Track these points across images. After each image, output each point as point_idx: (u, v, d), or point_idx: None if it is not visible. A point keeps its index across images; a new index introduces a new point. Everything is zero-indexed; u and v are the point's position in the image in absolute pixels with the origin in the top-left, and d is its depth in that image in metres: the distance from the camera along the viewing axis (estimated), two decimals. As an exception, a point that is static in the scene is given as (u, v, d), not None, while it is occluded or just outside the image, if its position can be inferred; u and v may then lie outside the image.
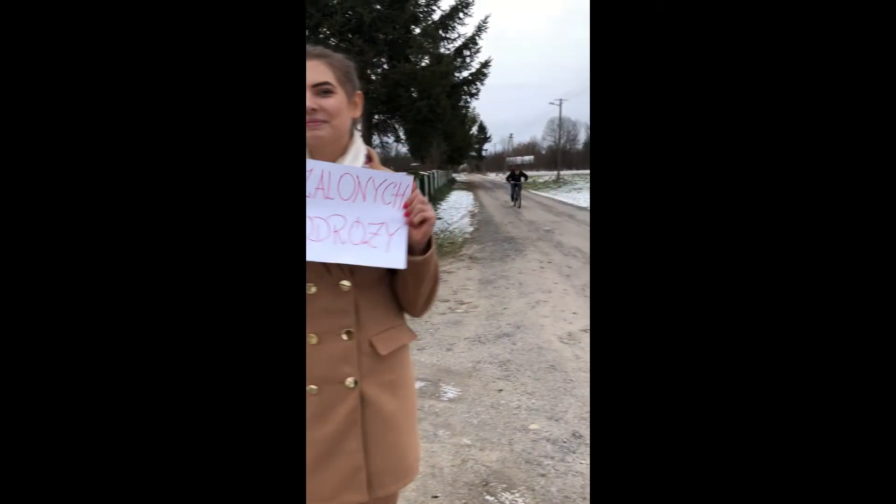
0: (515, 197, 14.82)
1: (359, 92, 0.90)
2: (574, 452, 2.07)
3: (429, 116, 9.24)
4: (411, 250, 0.85)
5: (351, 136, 0.90)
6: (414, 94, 9.14)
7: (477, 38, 10.59)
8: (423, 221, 0.84)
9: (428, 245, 0.87)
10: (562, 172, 43.78)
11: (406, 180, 0.84)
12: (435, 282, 0.92)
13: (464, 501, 1.78)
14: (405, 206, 0.84)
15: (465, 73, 10.99)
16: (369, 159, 0.92)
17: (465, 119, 23.44)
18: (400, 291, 0.91)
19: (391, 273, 0.90)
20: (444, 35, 10.29)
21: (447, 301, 4.50)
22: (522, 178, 14.84)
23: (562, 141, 60.69)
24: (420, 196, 0.85)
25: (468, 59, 10.75)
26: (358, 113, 0.91)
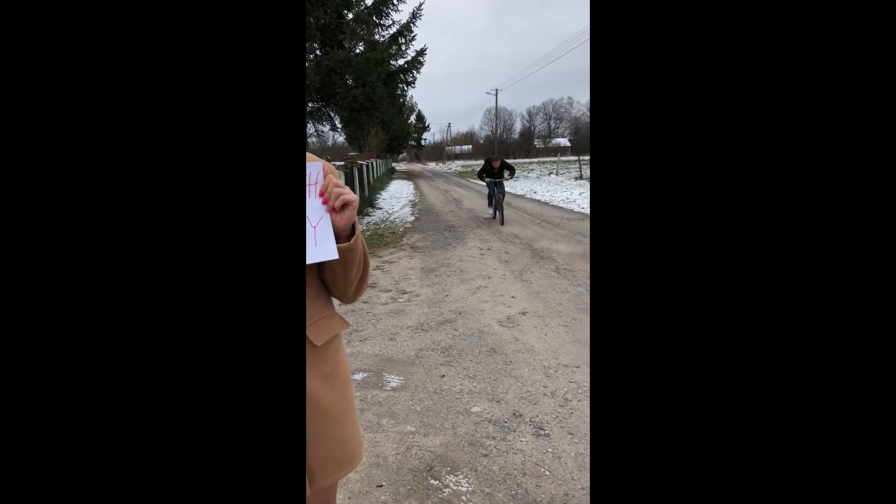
0: (495, 204, 8.81)
1: None
2: (514, 431, 2.14)
3: (365, 104, 9.05)
4: (337, 237, 0.83)
5: None
6: (349, 82, 8.90)
7: (412, 25, 10.46)
8: (344, 206, 0.80)
9: (353, 230, 0.85)
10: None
11: (315, 167, 0.80)
12: (365, 266, 0.91)
13: (409, 487, 1.79)
14: (321, 194, 0.80)
15: (401, 61, 10.85)
16: None
17: (402, 108, 23.19)
18: (329, 280, 0.89)
19: (319, 262, 0.87)
20: (377, 21, 10.08)
21: (389, 291, 4.47)
22: (507, 175, 8.81)
23: (499, 131, 61.67)
24: (334, 180, 0.81)
25: (403, 47, 10.61)
26: None
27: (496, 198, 8.74)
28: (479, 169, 9.60)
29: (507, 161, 9.92)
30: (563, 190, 14.43)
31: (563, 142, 68.39)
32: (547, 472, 1.85)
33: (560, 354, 2.90)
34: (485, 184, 9.33)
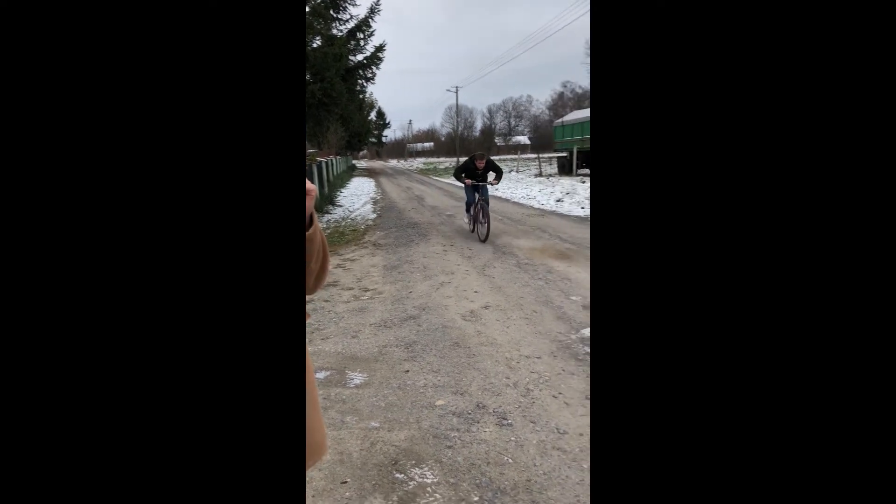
0: (474, 213, 6.78)
1: None
2: (478, 422, 2.17)
3: (323, 100, 8.89)
4: None
5: None
6: (307, 77, 8.72)
7: (370, 20, 10.35)
8: None
9: (311, 220, 0.85)
10: (461, 159, 44.82)
11: None
12: (324, 258, 0.90)
13: (374, 483, 1.79)
14: None
15: (360, 57, 10.72)
16: None
17: (362, 104, 22.90)
18: None
19: None
20: (335, 15, 9.90)
21: (351, 289, 4.42)
22: (493, 178, 6.84)
23: (460, 128, 61.97)
24: None
25: (362, 42, 10.49)
26: None
27: (477, 206, 6.55)
28: (457, 167, 7.00)
29: (494, 160, 7.19)
30: (524, 187, 14.68)
31: (523, 140, 69.46)
32: (510, 460, 1.89)
33: (522, 346, 2.96)
34: (462, 186, 7.06)
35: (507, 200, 11.49)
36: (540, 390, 2.43)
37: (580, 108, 29.40)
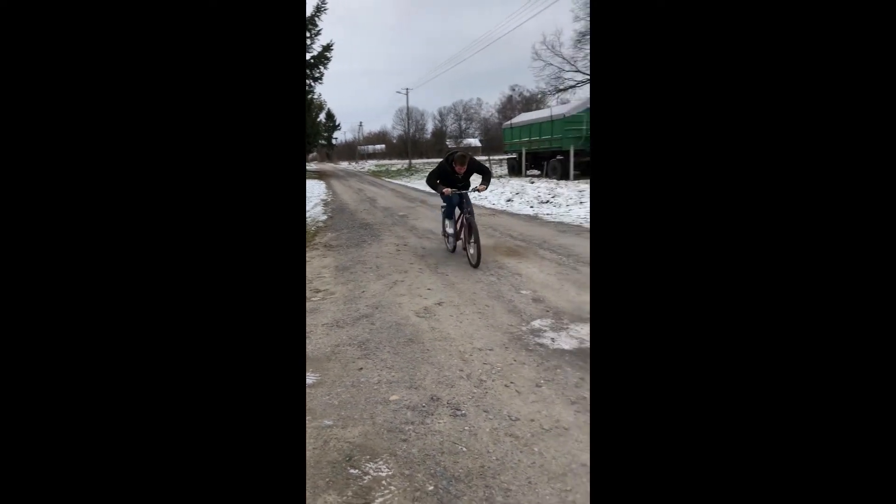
0: (457, 229, 5.28)
1: None
2: (432, 415, 2.18)
3: (269, 99, 8.64)
4: None
5: None
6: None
7: (316, 18, 10.16)
8: None
9: None
10: (413, 161, 44.81)
11: None
12: None
13: (327, 480, 1.76)
14: None
15: (307, 56, 10.50)
16: None
17: (310, 105, 22.41)
18: None
19: None
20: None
21: (302, 290, 4.32)
22: (480, 184, 5.08)
23: (411, 130, 61.90)
24: None
25: (308, 41, 10.28)
26: None
27: (462, 220, 4.97)
28: (430, 172, 5.15)
29: (479, 160, 5.22)
30: (476, 187, 14.84)
31: (474, 142, 70.29)
32: (464, 449, 1.91)
33: (475, 339, 3.00)
34: (440, 196, 5.13)
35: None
36: (493, 381, 2.48)
37: (528, 111, 30.14)
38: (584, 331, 3.08)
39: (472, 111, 76.86)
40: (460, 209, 5.00)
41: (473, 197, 5.32)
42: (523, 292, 3.97)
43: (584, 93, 23.82)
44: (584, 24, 23.43)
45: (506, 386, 2.41)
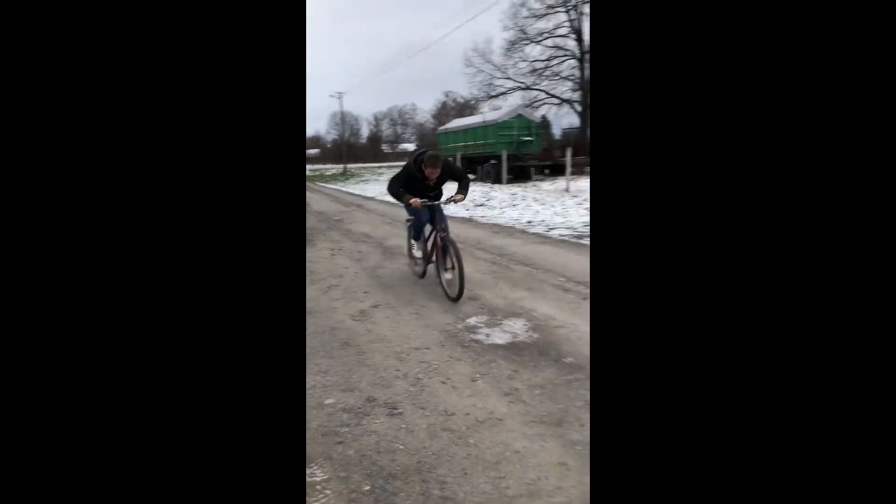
0: (427, 250, 4.10)
1: None
2: (368, 415, 2.16)
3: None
4: None
5: None
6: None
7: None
8: None
9: None
10: (348, 165, 44.06)
11: None
12: None
13: (258, 489, 1.70)
14: None
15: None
16: None
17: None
18: None
19: None
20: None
21: (229, 299, 4.11)
22: (458, 194, 3.87)
23: (346, 135, 60.90)
24: None
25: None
26: None
27: (435, 237, 3.91)
28: (392, 178, 3.96)
29: (453, 164, 4.13)
30: (412, 191, 14.85)
31: (410, 147, 70.38)
32: (401, 447, 1.91)
33: (411, 339, 3.01)
34: (404, 207, 3.96)
35: (395, 204, 11.53)
36: (429, 378, 2.50)
37: (462, 116, 30.67)
38: (517, 325, 3.17)
39: (408, 116, 76.99)
40: (432, 225, 3.85)
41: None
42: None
43: (514, 99, 24.63)
44: (512, 34, 24.26)
45: (442, 382, 2.44)
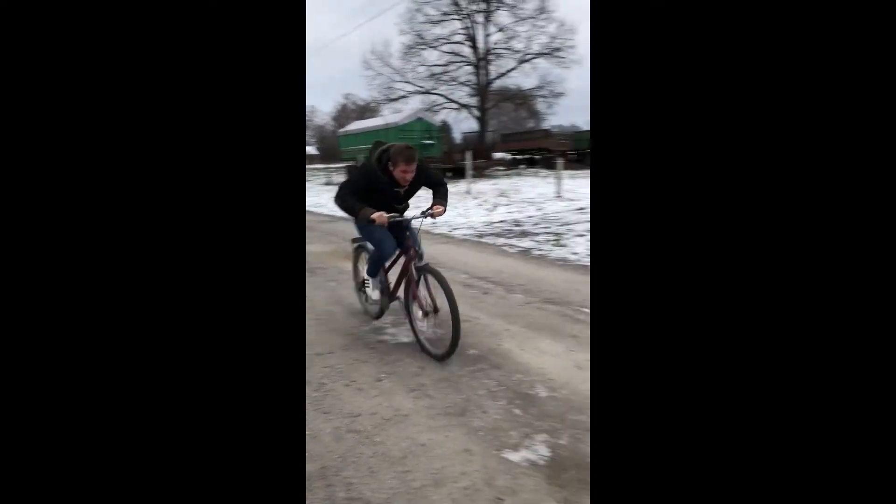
0: (387, 287, 2.86)
1: None
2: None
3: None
4: None
5: None
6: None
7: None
8: None
9: None
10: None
11: None
12: None
13: None
14: None
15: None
16: None
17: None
18: None
19: None
20: None
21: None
22: (437, 205, 2.57)
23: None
24: None
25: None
26: None
27: (406, 267, 2.66)
28: (341, 186, 2.62)
29: (427, 164, 2.81)
30: (314, 195, 14.40)
31: (312, 150, 68.05)
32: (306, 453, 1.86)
33: (315, 345, 2.93)
34: (357, 227, 2.90)
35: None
36: (333, 382, 2.45)
37: (362, 118, 30.32)
38: (423, 323, 3.22)
39: (307, 118, 74.25)
40: (400, 248, 2.71)
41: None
42: (362, 293, 3.99)
43: (414, 103, 24.88)
44: (410, 38, 24.50)
45: (346, 385, 2.41)
